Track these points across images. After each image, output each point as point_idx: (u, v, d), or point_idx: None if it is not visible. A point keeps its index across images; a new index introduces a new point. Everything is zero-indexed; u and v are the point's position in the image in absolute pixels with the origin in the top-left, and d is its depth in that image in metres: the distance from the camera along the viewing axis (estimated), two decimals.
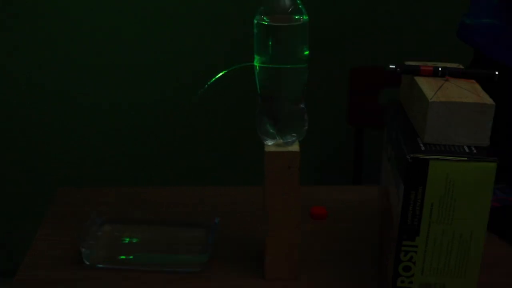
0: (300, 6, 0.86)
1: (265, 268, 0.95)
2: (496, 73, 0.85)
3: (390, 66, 0.87)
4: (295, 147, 0.89)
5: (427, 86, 0.82)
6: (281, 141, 0.89)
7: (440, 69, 0.85)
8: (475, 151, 0.77)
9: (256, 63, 0.88)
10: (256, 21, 0.87)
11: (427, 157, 0.76)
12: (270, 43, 0.86)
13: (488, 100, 0.78)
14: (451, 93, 0.80)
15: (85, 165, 2.22)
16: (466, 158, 0.76)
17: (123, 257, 0.98)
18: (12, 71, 2.08)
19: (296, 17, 0.85)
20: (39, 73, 2.09)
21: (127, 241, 1.03)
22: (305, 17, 0.86)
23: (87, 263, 0.98)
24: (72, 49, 2.07)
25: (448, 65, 0.88)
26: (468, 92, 0.80)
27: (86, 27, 2.04)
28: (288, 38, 0.86)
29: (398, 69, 0.87)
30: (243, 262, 1.00)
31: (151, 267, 0.97)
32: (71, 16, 2.03)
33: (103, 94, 2.12)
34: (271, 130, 0.89)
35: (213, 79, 1.00)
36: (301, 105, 0.90)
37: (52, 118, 2.14)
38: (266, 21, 0.85)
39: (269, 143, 0.90)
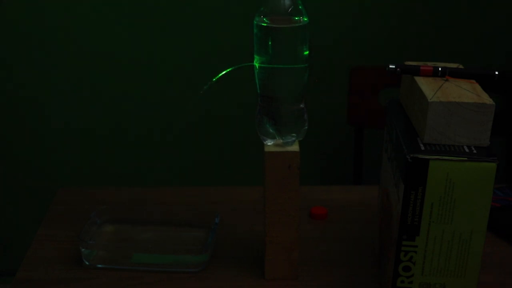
0: (300, 7, 0.86)
1: (265, 268, 0.95)
2: (496, 73, 0.85)
3: (390, 66, 0.87)
4: (295, 147, 0.89)
5: (427, 86, 0.82)
6: (281, 141, 0.89)
7: (440, 69, 0.86)
8: (475, 151, 0.77)
9: (256, 63, 0.88)
10: (255, 22, 0.87)
11: (427, 157, 0.76)
12: (269, 43, 0.86)
13: (488, 100, 0.78)
14: (451, 93, 0.80)
15: (85, 165, 2.22)
16: (466, 158, 0.76)
17: (123, 257, 0.98)
18: (12, 69, 2.08)
19: (296, 18, 0.86)
20: (40, 71, 2.09)
21: (127, 241, 1.03)
22: (305, 19, 0.86)
23: (87, 263, 0.98)
24: (72, 47, 2.07)
25: (448, 65, 0.88)
26: (468, 92, 0.80)
27: (86, 25, 2.04)
28: (288, 39, 0.86)
29: (398, 69, 0.87)
30: (243, 262, 1.00)
31: (151, 267, 0.97)
32: (72, 14, 2.03)
33: (103, 93, 2.12)
34: (271, 130, 0.89)
35: (216, 78, 1.00)
36: (301, 105, 0.90)
37: (52, 117, 2.14)
38: (265, 23, 0.85)
39: (269, 143, 0.90)
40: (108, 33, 2.05)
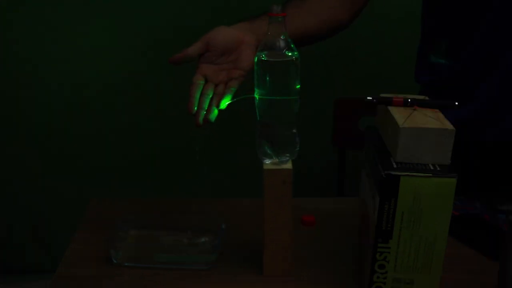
0: (292, 45, 0.87)
1: (264, 266, 0.95)
2: (456, 103, 0.86)
3: (368, 98, 0.88)
4: (289, 165, 0.90)
5: (398, 114, 0.83)
6: (277, 160, 0.90)
7: (409, 100, 0.86)
8: (438, 169, 0.78)
9: (256, 95, 0.89)
10: (256, 59, 0.87)
11: (398, 173, 0.77)
12: (267, 78, 0.87)
13: (449, 126, 0.79)
14: (418, 120, 0.80)
15: (112, 178, 2.20)
16: (431, 175, 0.76)
17: (146, 256, 0.98)
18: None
19: (289, 53, 0.86)
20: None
21: (149, 244, 1.03)
22: (296, 53, 0.87)
23: (115, 261, 0.98)
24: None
25: (416, 97, 0.88)
26: (432, 120, 0.81)
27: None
28: (282, 73, 0.87)
29: (375, 100, 0.88)
30: (245, 261, 1.00)
31: (169, 265, 0.97)
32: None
33: (123, 112, 2.07)
34: (269, 151, 0.90)
35: (221, 107, 1.00)
36: (294, 130, 0.90)
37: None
38: (264, 58, 0.86)
39: (267, 162, 0.90)
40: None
